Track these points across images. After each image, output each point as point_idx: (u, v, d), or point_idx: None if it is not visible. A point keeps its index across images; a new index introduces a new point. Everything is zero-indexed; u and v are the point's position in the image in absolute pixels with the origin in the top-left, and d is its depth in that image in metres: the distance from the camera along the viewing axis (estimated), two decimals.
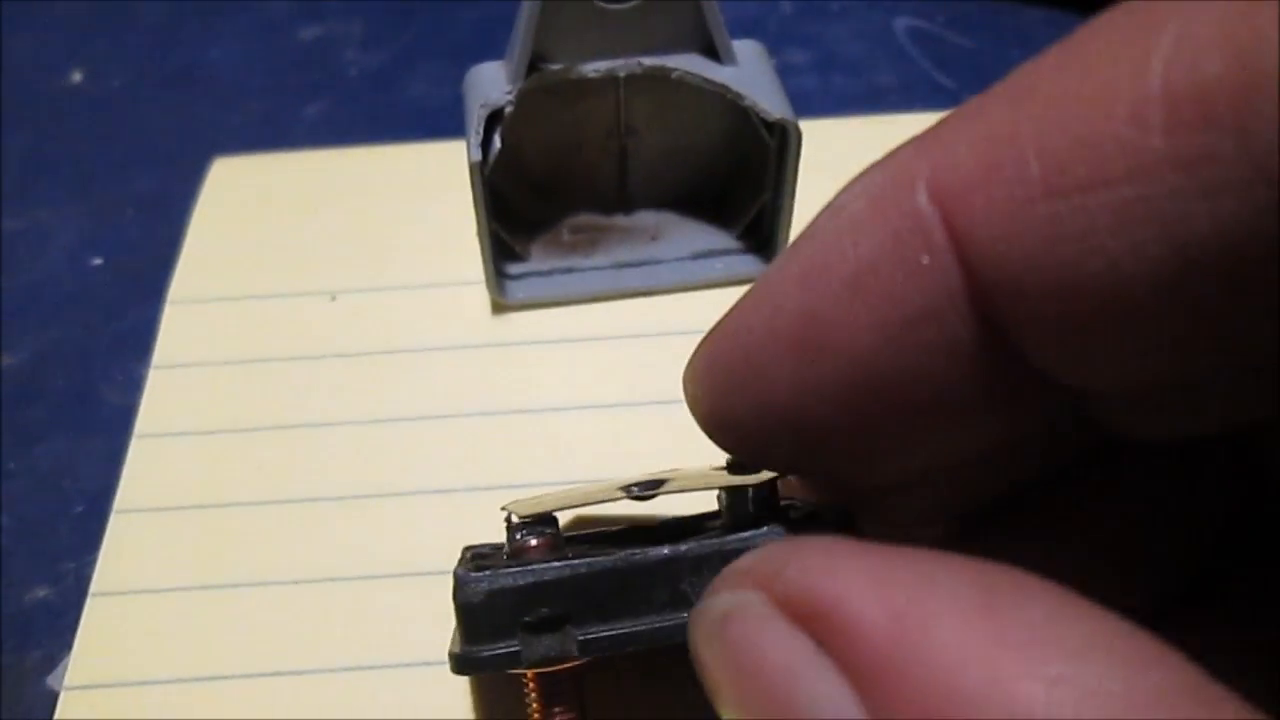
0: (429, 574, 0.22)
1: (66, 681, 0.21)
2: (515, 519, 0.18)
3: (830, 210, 0.14)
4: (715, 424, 0.16)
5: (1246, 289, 0.11)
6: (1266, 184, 0.10)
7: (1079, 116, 0.11)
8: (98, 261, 0.30)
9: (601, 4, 0.24)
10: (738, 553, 0.17)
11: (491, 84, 0.25)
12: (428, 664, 0.21)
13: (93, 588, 0.22)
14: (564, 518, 0.18)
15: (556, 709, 0.17)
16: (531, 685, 0.17)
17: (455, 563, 0.18)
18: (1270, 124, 0.10)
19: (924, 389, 0.13)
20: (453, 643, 0.17)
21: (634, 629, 0.16)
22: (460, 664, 0.17)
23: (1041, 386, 0.13)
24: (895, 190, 0.13)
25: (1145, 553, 0.16)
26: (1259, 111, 0.10)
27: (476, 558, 0.18)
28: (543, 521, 0.18)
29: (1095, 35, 0.12)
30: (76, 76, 0.35)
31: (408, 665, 0.21)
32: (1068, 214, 0.11)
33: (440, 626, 0.21)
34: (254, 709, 0.21)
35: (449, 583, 0.19)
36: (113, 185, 0.32)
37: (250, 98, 0.34)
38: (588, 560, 0.16)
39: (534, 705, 0.17)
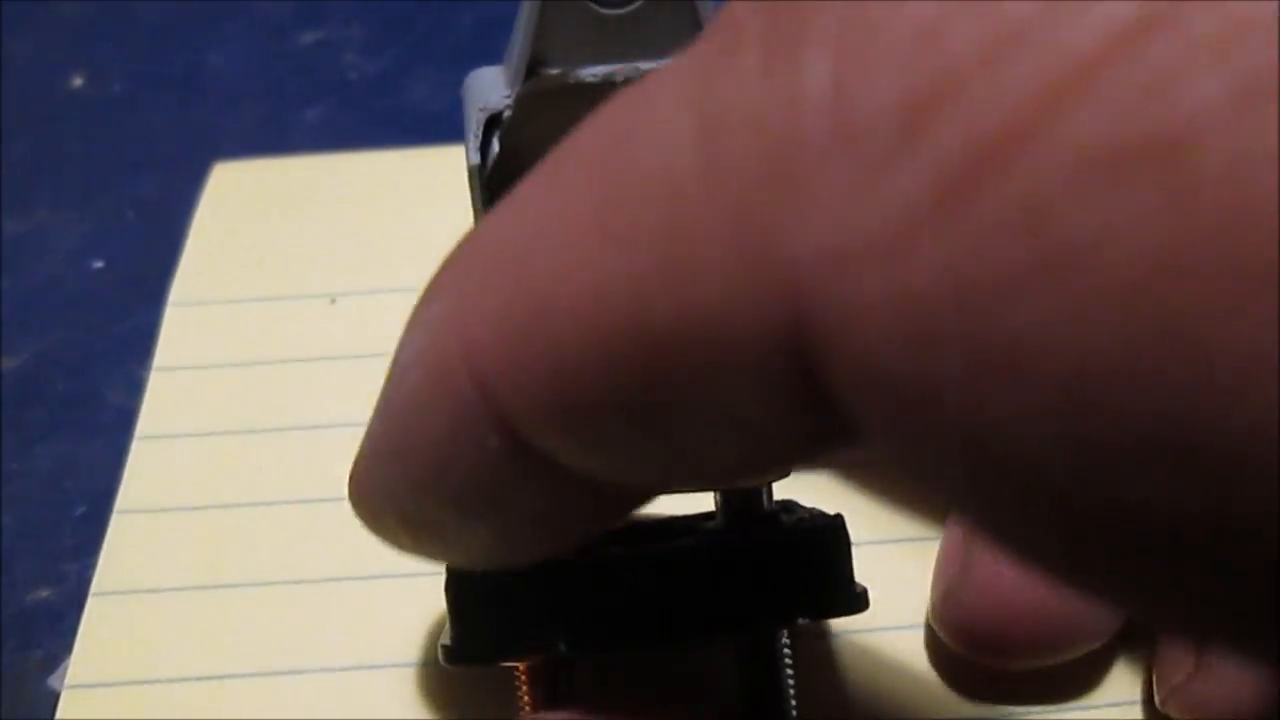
0: (430, 574, 0.22)
1: (67, 681, 0.21)
2: None
3: (397, 373, 0.14)
4: (388, 544, 0.17)
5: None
6: (730, 418, 0.11)
7: (570, 327, 0.11)
8: (99, 264, 0.30)
9: (600, 9, 0.24)
10: (727, 554, 0.17)
11: (490, 88, 0.25)
12: (429, 664, 0.21)
13: (94, 587, 0.23)
14: None
15: (546, 703, 0.17)
16: (523, 679, 0.17)
17: None
18: (717, 369, 0.10)
19: (535, 515, 0.14)
20: (444, 635, 0.17)
21: (622, 626, 0.16)
22: (450, 657, 0.17)
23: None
24: (442, 371, 0.13)
25: None
26: (705, 358, 0.10)
27: None
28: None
29: (571, 189, 0.12)
30: (77, 81, 0.35)
31: (409, 665, 0.21)
32: (580, 414, 0.12)
33: (441, 627, 0.22)
34: (255, 708, 0.21)
35: None
36: (114, 189, 0.32)
37: (251, 102, 0.35)
38: (579, 558, 0.17)
39: (525, 699, 0.18)
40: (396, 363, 0.14)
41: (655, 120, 0.10)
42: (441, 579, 0.18)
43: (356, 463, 0.16)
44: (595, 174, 0.11)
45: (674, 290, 0.10)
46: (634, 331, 0.10)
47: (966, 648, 0.20)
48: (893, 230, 0.08)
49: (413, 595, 0.22)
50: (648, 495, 0.15)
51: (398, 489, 0.15)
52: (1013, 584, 0.19)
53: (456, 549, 0.16)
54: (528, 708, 0.17)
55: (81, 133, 0.34)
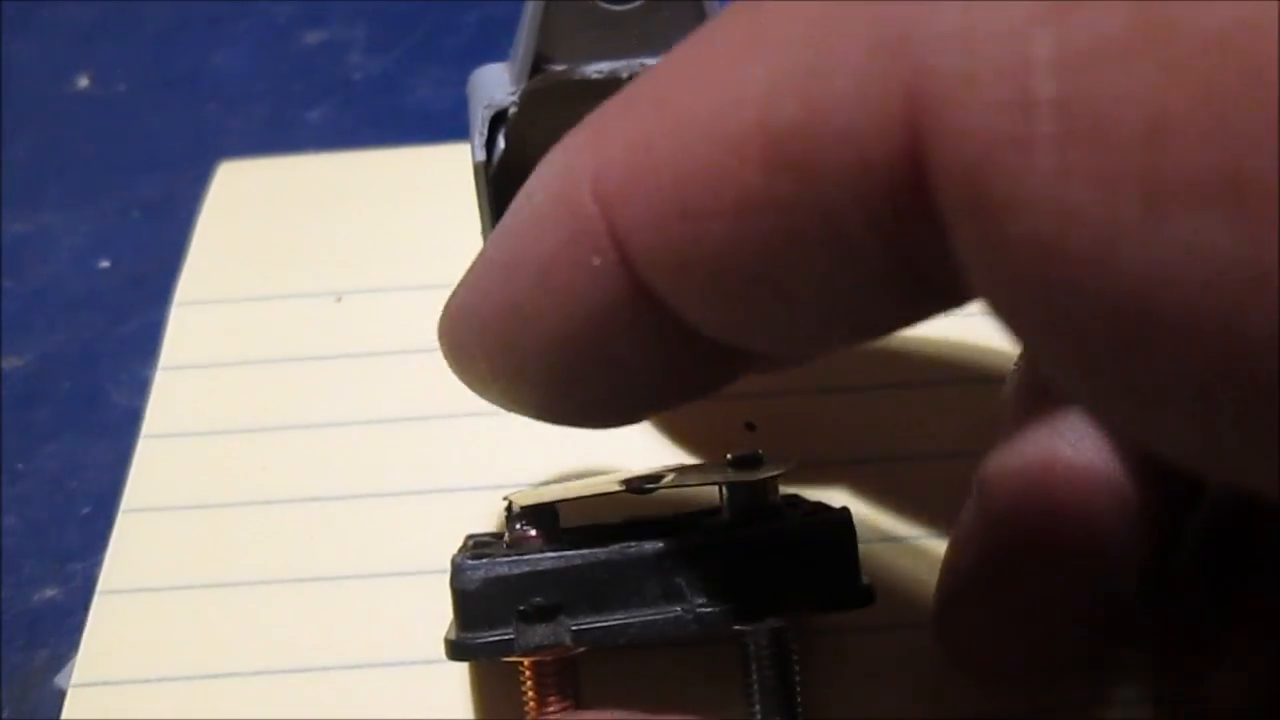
0: (435, 572, 0.22)
1: (74, 679, 0.21)
2: (515, 509, 0.18)
3: (523, 197, 0.15)
4: (474, 389, 0.17)
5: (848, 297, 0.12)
6: (837, 236, 0.11)
7: (699, 137, 0.12)
8: (104, 264, 0.30)
9: (604, 5, 0.24)
10: (732, 549, 0.17)
11: (495, 85, 0.25)
12: (433, 662, 0.21)
13: (100, 586, 0.23)
14: (564, 510, 0.19)
15: (550, 698, 0.17)
16: (527, 674, 0.17)
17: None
18: (834, 173, 0.11)
19: (622, 362, 0.14)
20: (449, 629, 0.17)
21: (627, 621, 0.16)
22: (455, 650, 0.17)
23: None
24: (567, 188, 0.14)
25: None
26: (824, 159, 0.11)
27: (477, 546, 0.18)
28: (542, 512, 0.18)
29: (724, 33, 0.12)
30: (82, 81, 0.36)
31: (413, 663, 0.21)
32: (696, 235, 0.12)
33: (444, 625, 0.21)
34: (260, 706, 0.21)
35: None
36: (119, 189, 0.32)
37: (255, 102, 0.35)
38: (583, 552, 0.17)
39: (529, 694, 0.18)
40: (526, 187, 0.15)
41: None
42: (447, 576, 0.18)
43: (455, 290, 0.16)
44: (748, 8, 0.12)
45: (806, 87, 0.11)
46: (760, 134, 0.11)
47: (960, 665, 0.19)
48: (1018, 18, 0.09)
49: (418, 593, 0.22)
50: (731, 365, 0.15)
51: (496, 312, 0.15)
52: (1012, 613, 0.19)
53: (531, 393, 0.16)
54: (532, 703, 0.17)
55: (87, 133, 0.34)
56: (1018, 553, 0.17)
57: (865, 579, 0.18)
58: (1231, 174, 0.08)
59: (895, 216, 0.11)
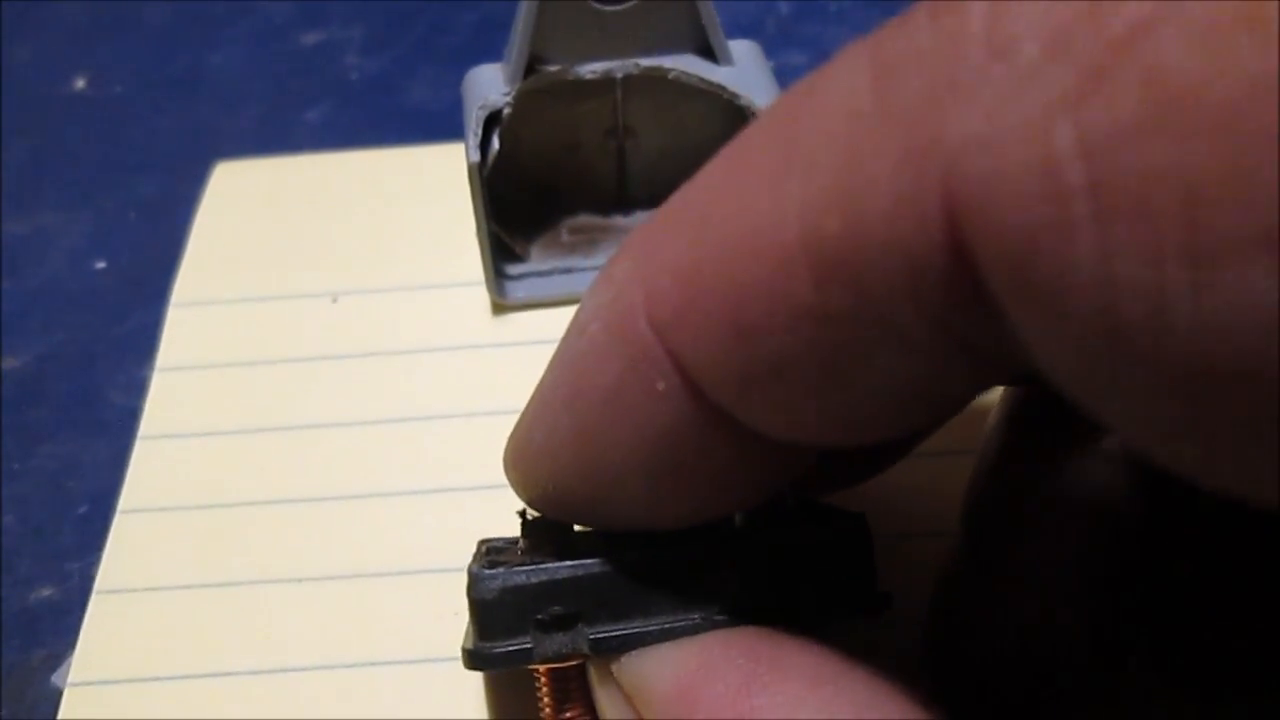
0: (431, 572, 0.22)
1: (70, 679, 0.21)
2: (530, 516, 0.18)
3: (576, 328, 0.15)
4: (543, 512, 0.18)
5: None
6: (893, 334, 0.12)
7: (746, 258, 0.12)
8: (101, 265, 0.30)
9: (598, 5, 0.25)
10: (748, 555, 0.17)
11: (490, 85, 0.25)
12: (428, 661, 0.21)
13: (97, 586, 0.23)
14: None
15: (568, 706, 0.17)
16: (544, 682, 0.17)
17: (457, 561, 0.18)
18: (882, 278, 0.11)
19: (697, 472, 0.15)
20: (465, 638, 0.17)
21: (645, 629, 0.16)
22: (473, 660, 0.17)
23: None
24: (622, 318, 0.14)
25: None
26: (871, 267, 0.11)
27: (491, 553, 0.18)
28: (557, 520, 0.18)
29: (756, 154, 0.13)
30: (80, 82, 0.36)
31: (408, 662, 0.21)
32: (756, 351, 0.12)
33: (442, 624, 0.22)
34: (257, 706, 0.21)
35: (451, 581, 0.19)
36: (116, 189, 0.32)
37: (252, 102, 0.35)
38: (600, 560, 0.17)
39: (546, 703, 0.17)
40: (576, 321, 0.15)
41: (834, 76, 0.12)
42: (445, 575, 0.18)
43: (519, 424, 0.17)
44: (777, 128, 0.13)
45: (845, 201, 0.11)
46: (805, 250, 0.12)
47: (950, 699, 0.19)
48: (1035, 114, 0.10)
49: (415, 593, 0.22)
50: (805, 458, 0.15)
51: (565, 443, 0.16)
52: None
53: (605, 511, 0.16)
54: (549, 710, 0.18)
55: (84, 134, 0.34)
56: (1006, 586, 0.17)
57: (881, 586, 0.18)
58: (1267, 228, 0.09)
59: (948, 309, 0.11)
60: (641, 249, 0.14)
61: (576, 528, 0.18)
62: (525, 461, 0.17)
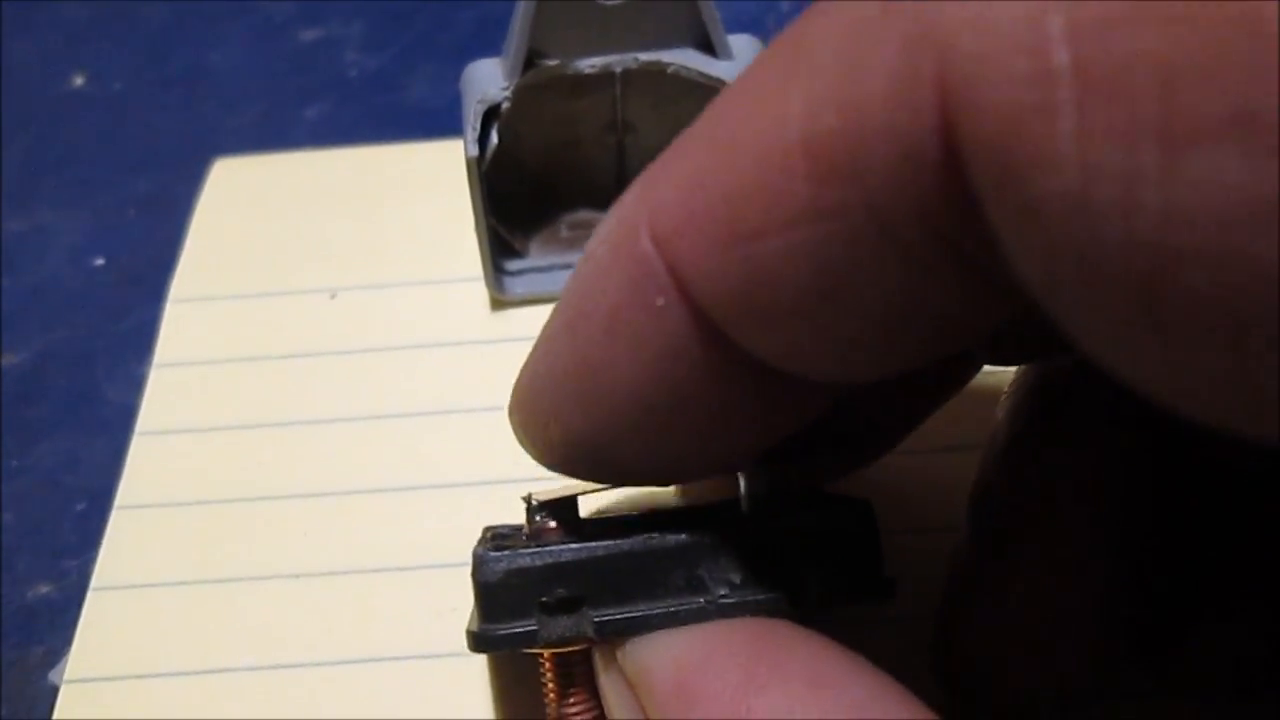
0: (429, 567, 0.22)
1: (67, 675, 0.21)
2: (535, 501, 0.18)
3: (585, 256, 0.15)
4: (545, 461, 0.17)
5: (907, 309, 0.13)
6: (886, 235, 0.12)
7: (745, 163, 0.13)
8: (100, 262, 0.30)
9: (596, 1, 0.24)
10: (754, 540, 0.17)
11: (488, 80, 0.25)
12: (426, 657, 0.21)
13: (94, 583, 0.23)
14: (584, 502, 0.18)
15: (572, 690, 0.17)
16: (548, 666, 0.17)
17: (455, 556, 0.18)
18: (878, 168, 0.11)
19: (698, 406, 0.15)
20: (470, 621, 0.17)
21: (649, 612, 0.16)
22: (477, 642, 0.17)
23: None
24: (625, 237, 0.14)
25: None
26: (867, 157, 0.11)
27: (496, 538, 0.18)
28: (562, 504, 0.18)
29: (763, 70, 0.13)
30: (78, 80, 0.36)
31: (406, 658, 0.21)
32: (752, 257, 0.13)
33: (441, 620, 0.22)
34: (254, 703, 0.21)
35: (449, 577, 0.19)
36: (114, 186, 0.32)
37: (251, 99, 0.35)
38: (605, 543, 0.17)
39: (550, 686, 0.18)
40: (585, 252, 0.15)
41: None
42: (443, 570, 0.18)
43: (525, 363, 0.17)
44: (785, 44, 0.13)
45: (844, 94, 0.12)
46: (805, 147, 0.12)
47: (959, 692, 0.19)
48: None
49: (413, 589, 0.22)
50: (804, 403, 0.15)
51: (568, 372, 0.15)
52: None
53: (609, 451, 0.16)
54: (553, 694, 0.17)
55: (82, 131, 0.34)
56: (1014, 576, 0.17)
57: (887, 571, 0.18)
58: (1238, 112, 0.09)
59: (939, 203, 0.11)
60: (650, 174, 0.14)
61: (582, 512, 0.18)
62: (528, 399, 0.17)
